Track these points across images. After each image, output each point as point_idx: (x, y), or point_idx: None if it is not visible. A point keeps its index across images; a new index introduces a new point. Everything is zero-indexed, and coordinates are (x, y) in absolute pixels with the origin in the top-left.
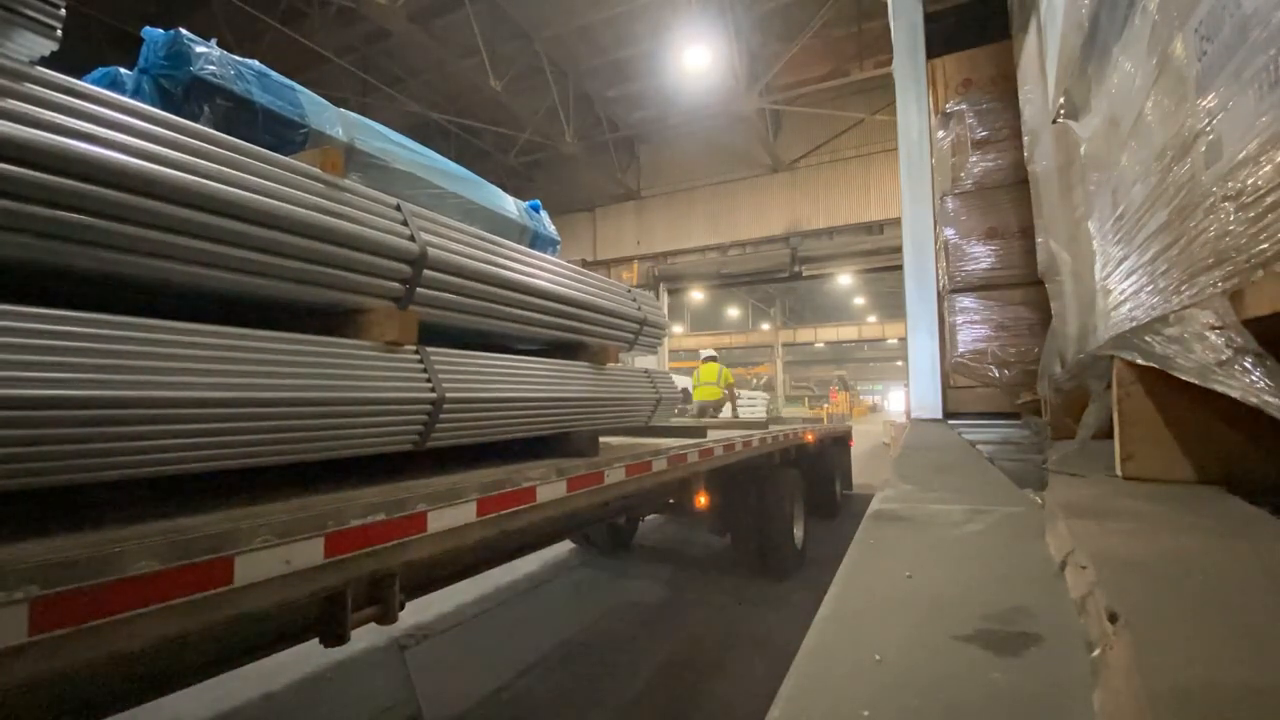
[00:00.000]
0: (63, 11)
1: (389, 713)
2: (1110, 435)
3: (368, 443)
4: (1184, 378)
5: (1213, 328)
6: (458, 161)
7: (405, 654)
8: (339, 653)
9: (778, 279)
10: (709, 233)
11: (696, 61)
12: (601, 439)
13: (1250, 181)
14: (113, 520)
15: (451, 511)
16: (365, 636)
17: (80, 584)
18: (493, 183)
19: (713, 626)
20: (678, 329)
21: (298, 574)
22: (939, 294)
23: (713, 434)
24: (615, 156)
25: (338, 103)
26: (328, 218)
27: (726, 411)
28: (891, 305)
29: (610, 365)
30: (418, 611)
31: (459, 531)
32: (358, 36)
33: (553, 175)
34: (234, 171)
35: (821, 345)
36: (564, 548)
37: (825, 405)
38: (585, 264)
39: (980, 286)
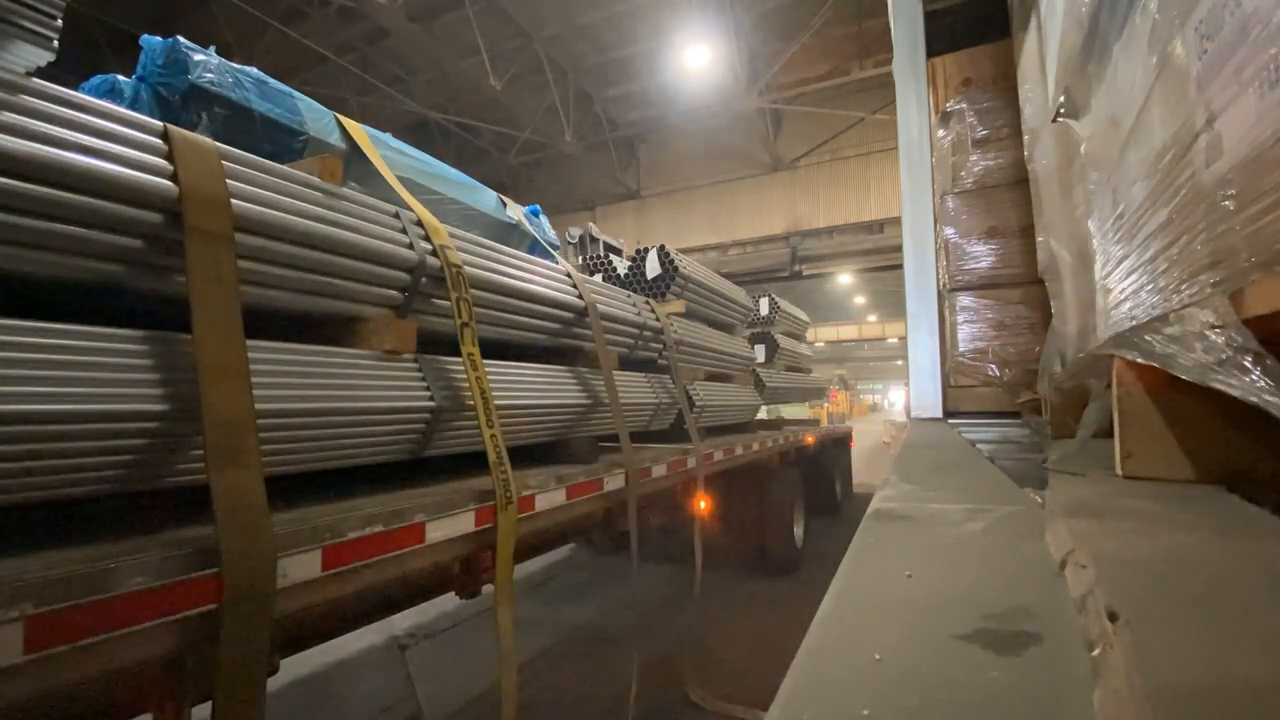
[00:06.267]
0: (59, 22)
1: (389, 712)
2: (1110, 434)
3: (366, 452)
4: (1184, 377)
5: (1213, 327)
6: (457, 161)
7: (405, 654)
8: (339, 653)
9: (778, 278)
10: (709, 232)
11: (696, 60)
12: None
13: (1250, 181)
14: (112, 533)
15: (449, 521)
16: (365, 636)
17: (76, 601)
18: (493, 182)
19: (711, 625)
20: None
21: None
22: (939, 293)
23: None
24: (615, 156)
25: (337, 102)
26: (326, 226)
27: None
28: (891, 304)
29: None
30: (417, 612)
31: (456, 542)
32: (357, 36)
33: (553, 175)
34: (231, 181)
35: (821, 344)
36: (563, 547)
37: (825, 405)
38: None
39: (980, 285)
